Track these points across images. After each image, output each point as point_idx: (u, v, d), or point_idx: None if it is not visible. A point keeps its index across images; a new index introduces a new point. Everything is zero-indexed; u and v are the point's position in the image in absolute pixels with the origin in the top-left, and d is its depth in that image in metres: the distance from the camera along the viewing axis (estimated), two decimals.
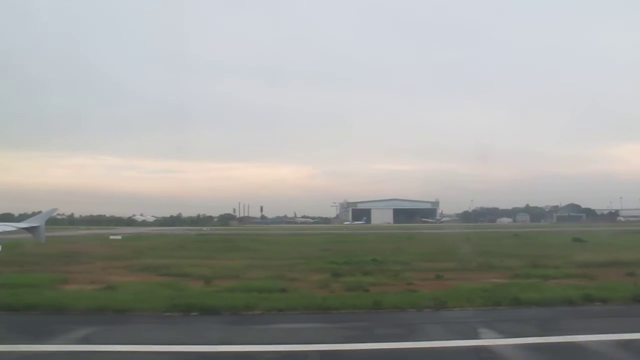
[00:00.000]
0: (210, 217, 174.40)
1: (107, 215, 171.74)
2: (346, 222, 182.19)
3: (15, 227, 23.57)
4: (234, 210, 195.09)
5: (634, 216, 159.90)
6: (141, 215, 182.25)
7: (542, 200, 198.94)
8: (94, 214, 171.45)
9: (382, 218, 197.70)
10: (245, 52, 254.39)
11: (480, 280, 20.87)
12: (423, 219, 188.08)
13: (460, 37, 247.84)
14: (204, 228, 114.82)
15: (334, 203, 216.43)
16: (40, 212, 29.18)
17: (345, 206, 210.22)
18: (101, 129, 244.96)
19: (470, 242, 47.16)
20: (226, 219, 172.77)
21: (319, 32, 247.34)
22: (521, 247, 42.07)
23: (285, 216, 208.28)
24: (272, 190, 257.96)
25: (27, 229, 23.04)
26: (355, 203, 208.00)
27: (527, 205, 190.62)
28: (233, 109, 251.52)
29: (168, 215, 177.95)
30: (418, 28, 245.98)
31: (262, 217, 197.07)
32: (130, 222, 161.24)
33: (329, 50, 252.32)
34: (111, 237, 59.25)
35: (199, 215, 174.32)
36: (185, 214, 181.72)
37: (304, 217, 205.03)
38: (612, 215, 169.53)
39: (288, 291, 17.39)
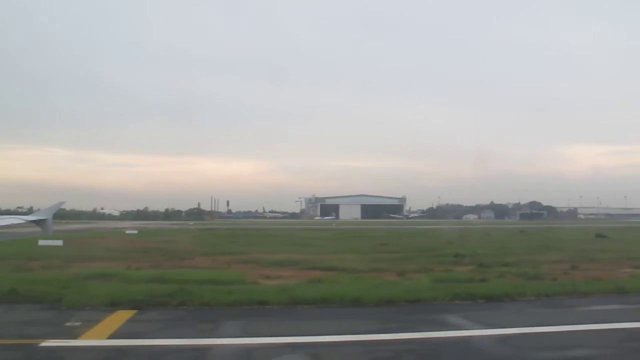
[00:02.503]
0: (179, 212, 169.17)
1: (67, 209, 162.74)
2: (316, 218, 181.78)
3: (23, 220, 22.87)
4: (199, 204, 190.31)
5: (592, 214, 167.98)
6: (102, 209, 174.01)
7: (505, 197, 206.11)
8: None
9: (349, 214, 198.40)
10: (205, 44, 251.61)
11: (615, 271, 21.60)
12: (391, 215, 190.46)
13: (425, 38, 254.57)
14: (190, 222, 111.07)
15: (299, 198, 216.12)
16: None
17: (314, 201, 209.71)
18: (52, 120, 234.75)
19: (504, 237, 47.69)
20: (196, 214, 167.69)
21: (280, 26, 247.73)
22: (573, 242, 42.41)
23: (255, 211, 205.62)
24: (233, 185, 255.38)
25: (35, 222, 22.35)
26: (323, 198, 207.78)
27: (492, 203, 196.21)
28: (192, 103, 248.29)
29: (134, 210, 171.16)
30: (383, 27, 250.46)
31: (229, 211, 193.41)
32: (100, 216, 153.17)
33: (291, 44, 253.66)
34: (127, 231, 57.57)
35: (167, 210, 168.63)
36: (135, 207, 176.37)
37: (271, 212, 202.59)
38: (572, 212, 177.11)
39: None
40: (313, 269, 23.48)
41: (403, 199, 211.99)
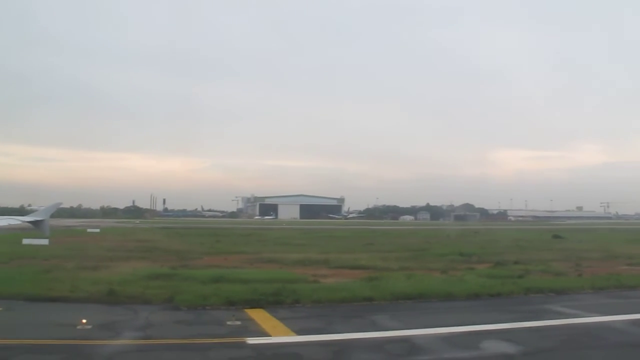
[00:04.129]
0: (116, 209, 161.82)
1: None
2: (256, 217, 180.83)
3: (20, 220, 22.95)
4: (134, 202, 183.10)
5: (521, 216, 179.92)
6: (29, 205, 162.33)
7: (440, 199, 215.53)
8: None
9: (289, 213, 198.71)
10: (137, 39, 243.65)
11: (616, 268, 24.77)
12: (330, 215, 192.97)
13: (364, 44, 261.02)
14: (136, 221, 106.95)
15: (236, 197, 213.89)
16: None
17: (252, 201, 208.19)
18: None
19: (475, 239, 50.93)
20: (133, 212, 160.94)
21: (216, 24, 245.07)
22: (542, 242, 46.36)
23: (196, 209, 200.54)
24: (167, 183, 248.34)
25: (32, 223, 22.54)
26: (262, 198, 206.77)
27: (428, 204, 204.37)
28: (121, 98, 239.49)
29: (66, 207, 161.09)
30: (319, 31, 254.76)
31: (165, 209, 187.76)
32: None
33: (227, 42, 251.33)
34: (89, 230, 55.20)
35: (103, 207, 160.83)
36: (68, 204, 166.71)
37: (210, 210, 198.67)
38: (502, 214, 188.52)
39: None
40: (342, 267, 24.91)
41: (341, 200, 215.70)
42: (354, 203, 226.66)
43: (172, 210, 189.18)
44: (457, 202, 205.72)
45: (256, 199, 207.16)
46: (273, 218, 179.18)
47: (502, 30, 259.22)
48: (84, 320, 12.12)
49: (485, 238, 53.52)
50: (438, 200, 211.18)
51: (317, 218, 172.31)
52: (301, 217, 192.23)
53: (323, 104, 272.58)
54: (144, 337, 11.06)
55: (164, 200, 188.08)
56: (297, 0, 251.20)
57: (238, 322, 12.57)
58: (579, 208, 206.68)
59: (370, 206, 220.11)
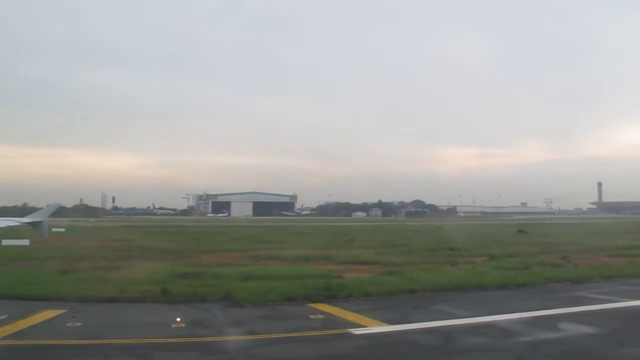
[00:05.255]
0: (64, 208, 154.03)
1: None
2: (209, 215, 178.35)
3: (18, 221, 22.53)
4: (81, 200, 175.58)
5: (470, 212, 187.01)
6: None
7: (391, 196, 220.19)
8: None
9: (241, 211, 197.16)
10: (82, 31, 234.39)
11: (600, 259, 27.04)
12: (283, 212, 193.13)
13: (316, 43, 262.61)
14: (91, 219, 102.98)
15: (187, 194, 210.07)
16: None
17: (205, 198, 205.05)
18: None
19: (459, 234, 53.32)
20: (84, 210, 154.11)
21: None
22: (513, 237, 49.04)
23: (148, 207, 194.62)
24: (115, 180, 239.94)
25: (30, 224, 22.17)
26: (215, 195, 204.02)
27: (380, 201, 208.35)
28: (66, 93, 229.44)
29: (10, 205, 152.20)
30: (275, 28, 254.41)
31: (115, 207, 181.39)
32: None
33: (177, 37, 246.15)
34: (54, 229, 52.85)
35: (49, 205, 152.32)
36: (10, 202, 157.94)
37: (161, 208, 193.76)
38: (452, 210, 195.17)
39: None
40: (347, 263, 25.61)
41: (294, 197, 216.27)
42: (307, 200, 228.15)
43: (121, 209, 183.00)
44: (408, 199, 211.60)
45: (208, 196, 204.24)
46: (226, 216, 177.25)
47: (449, 30, 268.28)
48: (178, 319, 12.45)
49: (454, 233, 55.76)
50: (389, 197, 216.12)
51: (270, 215, 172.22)
52: (254, 215, 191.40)
53: (274, 101, 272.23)
54: (249, 333, 11.44)
55: (114, 199, 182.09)
56: None
57: (321, 316, 13.26)
58: (524, 204, 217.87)
59: (322, 203, 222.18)
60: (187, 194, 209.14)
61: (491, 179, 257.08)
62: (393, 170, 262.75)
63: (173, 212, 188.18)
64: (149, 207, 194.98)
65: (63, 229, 55.25)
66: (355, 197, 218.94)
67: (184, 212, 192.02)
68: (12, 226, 22.24)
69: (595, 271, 20.74)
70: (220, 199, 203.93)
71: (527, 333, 11.23)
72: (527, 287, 18.03)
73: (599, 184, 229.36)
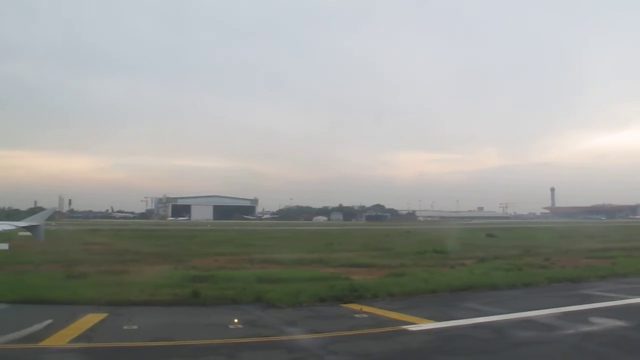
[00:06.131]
0: (17, 211, 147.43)
1: None
2: (170, 218, 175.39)
3: (15, 226, 22.94)
4: (35, 202, 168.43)
5: (429, 216, 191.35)
6: None
7: (351, 200, 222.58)
8: None
9: (202, 214, 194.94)
10: (33, 32, 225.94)
11: (580, 261, 28.26)
12: (244, 216, 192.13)
13: (275, 46, 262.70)
14: (52, 223, 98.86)
15: (145, 197, 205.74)
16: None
17: (164, 201, 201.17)
18: None
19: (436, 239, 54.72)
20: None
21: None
22: (487, 240, 51.09)
23: (106, 211, 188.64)
24: (69, 183, 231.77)
25: (27, 228, 22.80)
26: (175, 199, 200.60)
27: (341, 205, 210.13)
28: (17, 94, 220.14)
29: None
30: (233, 32, 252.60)
31: (72, 211, 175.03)
32: None
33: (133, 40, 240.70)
34: (20, 233, 51.21)
35: (4, 208, 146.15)
36: None
37: (120, 212, 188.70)
38: (411, 215, 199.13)
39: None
40: (343, 266, 25.87)
41: (255, 201, 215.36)
42: (268, 204, 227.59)
43: (78, 212, 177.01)
44: (368, 203, 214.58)
45: (168, 199, 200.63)
46: (187, 219, 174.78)
47: (408, 37, 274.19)
48: (236, 320, 12.82)
49: (428, 237, 57.22)
50: (350, 201, 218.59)
51: (231, 219, 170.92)
52: (215, 218, 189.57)
53: (234, 104, 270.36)
54: (313, 332, 11.90)
55: (70, 201, 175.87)
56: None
57: (365, 315, 13.91)
58: (480, 208, 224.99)
59: (282, 207, 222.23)
60: (146, 197, 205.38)
61: (448, 184, 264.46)
62: (353, 174, 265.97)
63: (132, 216, 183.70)
64: (107, 210, 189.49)
65: (29, 233, 53.47)
66: (316, 201, 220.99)
67: (143, 216, 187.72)
68: (7, 230, 22.01)
69: (588, 272, 22.24)
70: (180, 202, 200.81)
71: (567, 326, 12.28)
72: (533, 287, 19.24)
73: (552, 190, 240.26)
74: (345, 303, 15.70)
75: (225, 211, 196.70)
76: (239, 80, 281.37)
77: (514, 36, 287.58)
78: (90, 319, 13.30)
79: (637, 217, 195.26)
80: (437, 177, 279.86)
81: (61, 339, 11.21)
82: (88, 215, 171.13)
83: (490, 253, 33.01)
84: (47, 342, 10.92)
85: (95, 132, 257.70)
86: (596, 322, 12.72)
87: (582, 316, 13.33)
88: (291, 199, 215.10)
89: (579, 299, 16.07)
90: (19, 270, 23.71)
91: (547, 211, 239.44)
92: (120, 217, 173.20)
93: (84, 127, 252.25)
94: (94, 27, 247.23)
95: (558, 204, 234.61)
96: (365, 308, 14.73)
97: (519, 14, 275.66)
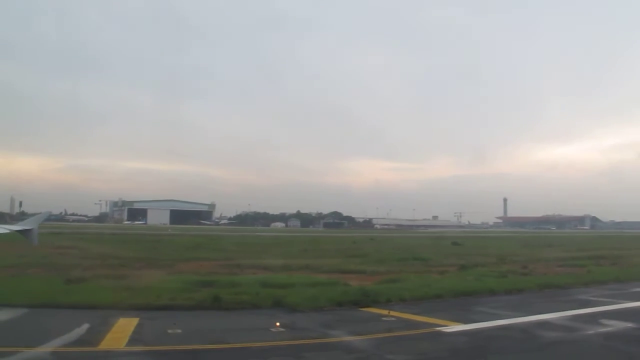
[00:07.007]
0: None
1: None
2: (125, 222, 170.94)
3: (8, 229, 22.25)
4: None
5: (386, 224, 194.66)
6: None
7: (309, 207, 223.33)
8: None
9: (158, 218, 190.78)
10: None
11: (554, 269, 30.13)
12: (201, 221, 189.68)
13: (233, 52, 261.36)
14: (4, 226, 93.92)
15: (99, 200, 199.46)
16: None
17: (120, 205, 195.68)
18: None
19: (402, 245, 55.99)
20: None
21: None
22: (457, 249, 52.79)
23: (60, 213, 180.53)
24: (19, 184, 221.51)
25: (21, 232, 22.14)
26: (131, 202, 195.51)
27: (299, 211, 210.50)
28: None
29: None
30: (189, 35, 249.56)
31: (22, 213, 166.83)
32: None
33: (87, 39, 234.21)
34: None
35: None
36: None
37: (73, 214, 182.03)
38: (368, 222, 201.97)
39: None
40: (332, 272, 26.12)
41: (212, 206, 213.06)
42: (225, 209, 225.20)
43: (28, 214, 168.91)
44: (325, 210, 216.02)
45: (124, 203, 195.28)
46: (143, 223, 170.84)
47: (363, 44, 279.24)
48: (278, 324, 13.25)
49: (395, 244, 58.68)
50: (307, 207, 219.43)
51: (188, 224, 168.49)
52: (171, 223, 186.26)
53: (189, 108, 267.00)
54: (354, 334, 12.39)
55: (20, 203, 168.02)
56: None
57: (393, 318, 14.62)
58: (435, 217, 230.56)
59: (239, 212, 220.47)
60: (100, 200, 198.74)
61: (404, 192, 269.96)
62: (310, 181, 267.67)
63: (86, 219, 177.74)
64: (61, 212, 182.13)
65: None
66: (274, 207, 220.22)
67: (97, 219, 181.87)
68: (2, 234, 21.78)
69: (571, 279, 23.88)
70: (136, 206, 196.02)
71: (585, 328, 13.41)
72: (528, 292, 20.43)
73: (505, 200, 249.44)
74: (363, 307, 16.35)
75: (182, 216, 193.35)
76: (194, 83, 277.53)
77: (469, 47, 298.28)
78: (127, 323, 13.32)
79: (585, 227, 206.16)
80: (394, 185, 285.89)
81: (116, 342, 11.29)
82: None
83: (466, 261, 34.16)
84: (105, 346, 11.01)
85: (46, 133, 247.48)
86: (608, 323, 13.88)
87: (592, 318, 14.52)
88: (249, 204, 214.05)
89: (579, 304, 17.30)
90: (8, 275, 23.06)
91: (500, 221, 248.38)
92: (74, 220, 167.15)
93: (35, 128, 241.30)
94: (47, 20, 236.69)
95: (510, 214, 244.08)
96: (384, 312, 15.32)
97: (474, 26, 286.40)
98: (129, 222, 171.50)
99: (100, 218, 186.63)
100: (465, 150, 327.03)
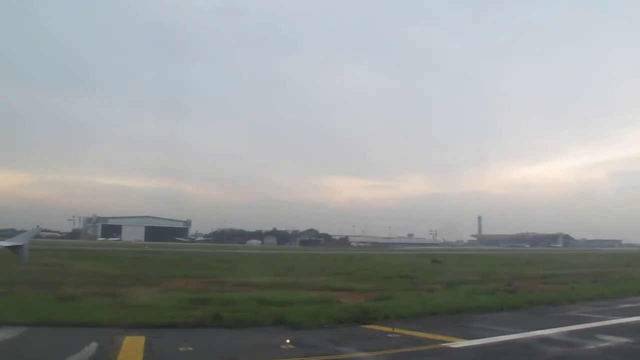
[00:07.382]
0: None
1: None
2: (100, 239, 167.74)
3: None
4: None
5: (362, 242, 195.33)
6: None
7: (285, 224, 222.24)
8: None
9: (133, 235, 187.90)
10: None
11: (538, 286, 30.66)
12: (177, 238, 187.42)
13: (220, 70, 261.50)
14: None
15: (73, 216, 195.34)
16: None
17: (94, 221, 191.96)
18: None
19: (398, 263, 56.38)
20: None
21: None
22: (438, 267, 53.40)
23: (37, 227, 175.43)
24: None
25: (11, 248, 22.38)
26: (105, 218, 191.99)
27: (275, 229, 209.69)
28: None
29: None
30: (161, 50, 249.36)
31: None
32: None
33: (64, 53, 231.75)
34: None
35: None
36: None
37: (46, 230, 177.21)
38: (344, 240, 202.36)
39: None
40: (322, 289, 26.21)
41: (188, 222, 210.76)
42: (200, 226, 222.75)
43: (1, 230, 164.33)
44: (302, 228, 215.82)
45: (98, 219, 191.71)
46: (117, 240, 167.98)
47: (339, 62, 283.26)
48: (288, 340, 13.37)
49: (375, 262, 59.09)
50: (283, 225, 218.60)
51: (163, 240, 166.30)
52: (146, 240, 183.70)
53: (166, 124, 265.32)
54: (365, 350, 12.66)
55: None
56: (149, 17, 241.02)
57: (397, 335, 14.85)
58: (410, 235, 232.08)
59: (215, 229, 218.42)
60: (73, 216, 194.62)
61: (380, 210, 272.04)
62: (287, 198, 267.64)
63: (59, 235, 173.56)
64: (38, 227, 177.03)
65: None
66: (250, 224, 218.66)
67: (70, 235, 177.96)
68: None
69: (559, 296, 24.51)
70: (111, 222, 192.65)
71: (584, 343, 13.88)
72: (520, 309, 20.90)
73: (479, 218, 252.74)
74: (364, 324, 16.57)
75: (157, 232, 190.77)
76: (173, 100, 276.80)
77: (444, 67, 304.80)
78: (135, 342, 13.28)
79: (558, 245, 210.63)
80: (369, 203, 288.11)
81: None
82: (9, 233, 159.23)
83: (449, 278, 34.47)
84: None
85: (20, 147, 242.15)
86: (604, 339, 14.37)
87: (589, 334, 15.01)
88: (225, 221, 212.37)
89: (572, 320, 17.82)
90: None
91: (475, 239, 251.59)
92: (47, 236, 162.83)
93: (7, 142, 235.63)
94: (28, 41, 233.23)
95: (485, 232, 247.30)
96: (388, 328, 15.43)
97: (448, 47, 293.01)
98: (102, 238, 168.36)
99: (74, 234, 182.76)
100: (440, 168, 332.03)
